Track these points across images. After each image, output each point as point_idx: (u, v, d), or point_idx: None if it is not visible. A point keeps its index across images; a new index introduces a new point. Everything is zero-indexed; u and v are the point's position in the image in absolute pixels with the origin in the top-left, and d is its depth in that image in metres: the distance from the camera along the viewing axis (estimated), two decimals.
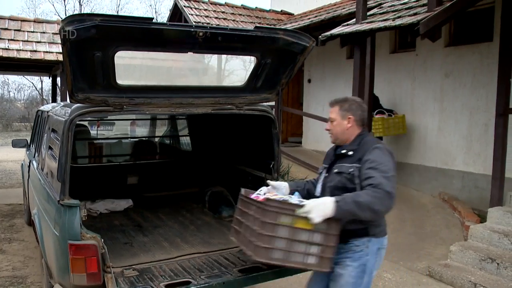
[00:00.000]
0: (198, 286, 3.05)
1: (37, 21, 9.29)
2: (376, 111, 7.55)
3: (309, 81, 11.02)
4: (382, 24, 5.68)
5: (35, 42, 8.58)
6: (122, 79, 3.10)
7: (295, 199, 2.81)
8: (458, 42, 7.48)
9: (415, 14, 5.49)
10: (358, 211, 2.48)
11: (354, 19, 6.45)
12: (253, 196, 2.94)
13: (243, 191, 3.11)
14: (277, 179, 3.83)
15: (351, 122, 2.84)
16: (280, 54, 3.33)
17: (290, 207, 2.61)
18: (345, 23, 6.55)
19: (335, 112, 2.88)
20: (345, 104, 2.86)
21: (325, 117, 8.64)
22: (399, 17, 5.70)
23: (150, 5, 61.00)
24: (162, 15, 35.70)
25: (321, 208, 2.51)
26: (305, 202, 2.59)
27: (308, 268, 2.78)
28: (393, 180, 2.57)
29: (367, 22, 6.08)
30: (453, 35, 7.59)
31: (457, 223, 6.43)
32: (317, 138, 10.54)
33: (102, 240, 3.00)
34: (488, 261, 4.70)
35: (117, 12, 35.75)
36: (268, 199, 2.68)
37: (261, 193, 2.95)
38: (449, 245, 5.23)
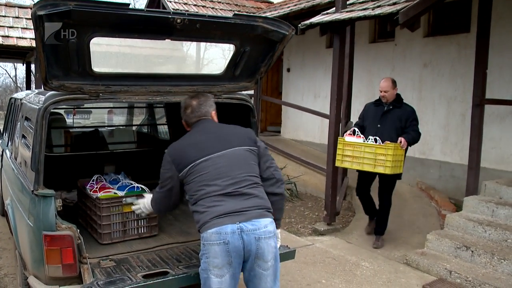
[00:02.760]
0: (176, 276, 3.03)
1: (8, 5, 9.03)
2: (350, 130, 5.39)
3: (288, 70, 11.00)
4: (361, 13, 5.66)
5: (7, 27, 8.35)
6: (98, 66, 3.03)
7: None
8: (436, 32, 7.54)
9: (394, 3, 5.49)
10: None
11: (334, 8, 6.43)
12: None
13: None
14: None
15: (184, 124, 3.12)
16: (259, 42, 3.29)
17: (118, 199, 3.64)
18: (325, 12, 6.52)
19: None
20: None
21: (304, 107, 8.70)
22: (378, 6, 5.70)
23: None
24: (141, 2, 35.14)
25: (146, 203, 3.30)
26: (139, 201, 3.46)
27: (143, 236, 3.76)
28: (159, 185, 3.00)
29: (347, 11, 6.06)
30: (431, 25, 7.65)
31: (434, 212, 6.53)
32: (296, 127, 10.56)
33: (78, 230, 2.96)
34: (463, 249, 4.78)
35: None
36: (98, 198, 3.63)
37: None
38: (426, 233, 5.30)
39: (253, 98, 9.34)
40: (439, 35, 7.45)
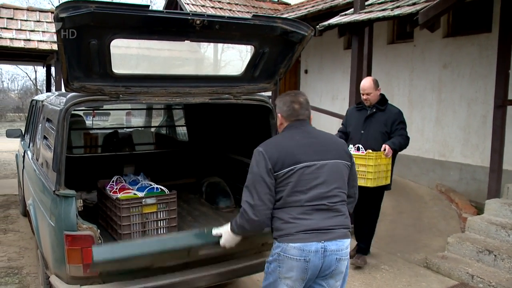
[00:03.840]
0: None
1: (30, 10, 9.21)
2: None
3: (306, 71, 10.96)
4: (380, 14, 5.63)
5: (28, 31, 8.49)
6: (118, 68, 3.05)
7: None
8: (456, 33, 7.44)
9: (414, 4, 5.45)
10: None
11: (352, 9, 6.40)
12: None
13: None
14: None
15: (279, 119, 2.85)
16: (278, 43, 3.28)
17: (138, 200, 3.61)
18: (343, 13, 6.50)
19: None
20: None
21: (322, 108, 8.65)
22: (397, 7, 5.65)
23: None
24: (158, 5, 35.41)
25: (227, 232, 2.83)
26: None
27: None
28: (250, 190, 2.58)
29: (365, 12, 6.03)
30: (451, 25, 7.55)
31: (454, 215, 6.44)
32: None
33: (99, 230, 2.97)
34: (485, 253, 4.70)
35: None
36: (118, 199, 3.60)
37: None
38: (446, 236, 5.23)
39: (271, 99, 9.32)
40: (459, 36, 7.35)
